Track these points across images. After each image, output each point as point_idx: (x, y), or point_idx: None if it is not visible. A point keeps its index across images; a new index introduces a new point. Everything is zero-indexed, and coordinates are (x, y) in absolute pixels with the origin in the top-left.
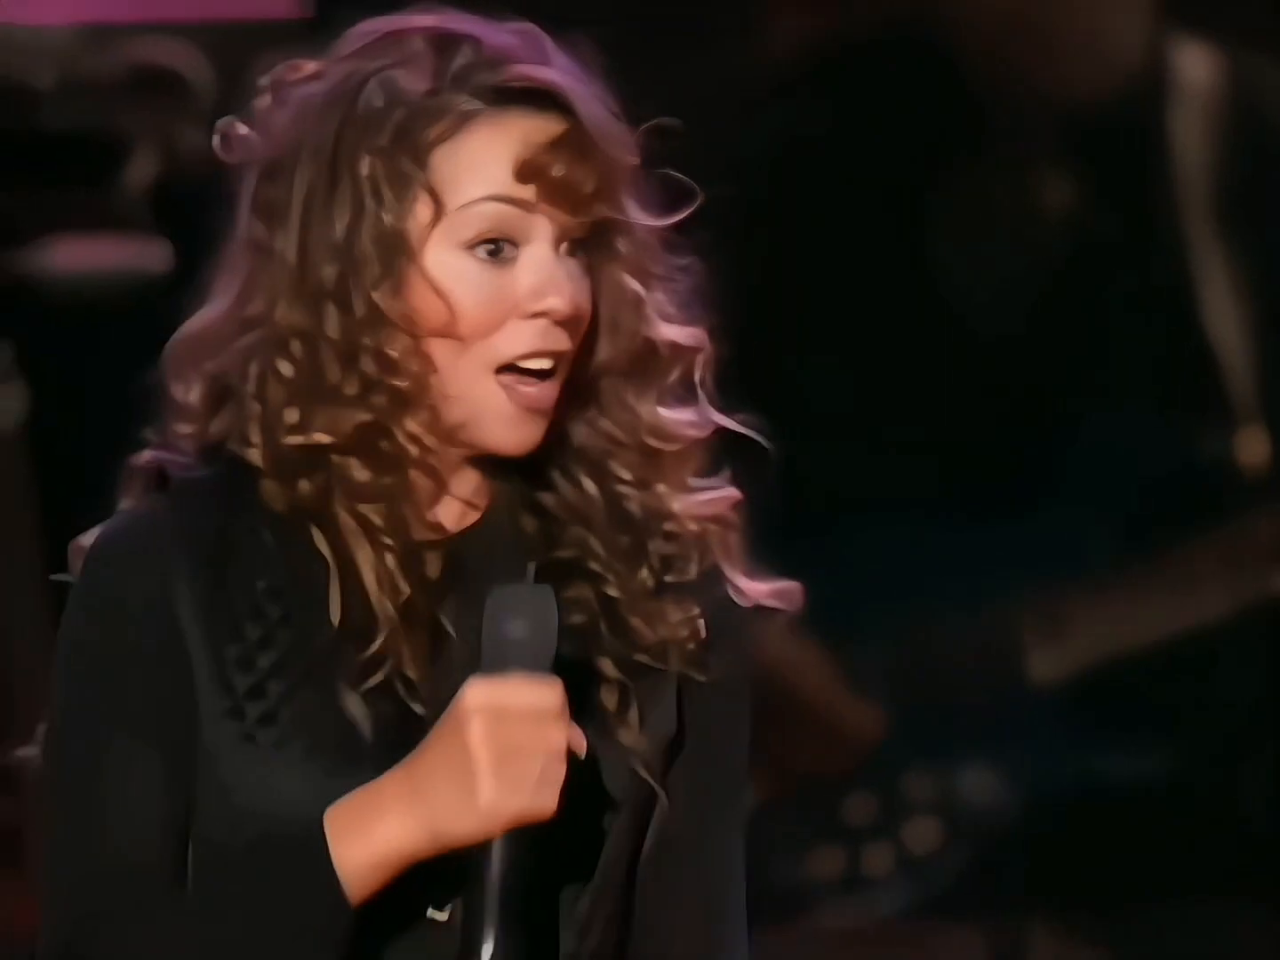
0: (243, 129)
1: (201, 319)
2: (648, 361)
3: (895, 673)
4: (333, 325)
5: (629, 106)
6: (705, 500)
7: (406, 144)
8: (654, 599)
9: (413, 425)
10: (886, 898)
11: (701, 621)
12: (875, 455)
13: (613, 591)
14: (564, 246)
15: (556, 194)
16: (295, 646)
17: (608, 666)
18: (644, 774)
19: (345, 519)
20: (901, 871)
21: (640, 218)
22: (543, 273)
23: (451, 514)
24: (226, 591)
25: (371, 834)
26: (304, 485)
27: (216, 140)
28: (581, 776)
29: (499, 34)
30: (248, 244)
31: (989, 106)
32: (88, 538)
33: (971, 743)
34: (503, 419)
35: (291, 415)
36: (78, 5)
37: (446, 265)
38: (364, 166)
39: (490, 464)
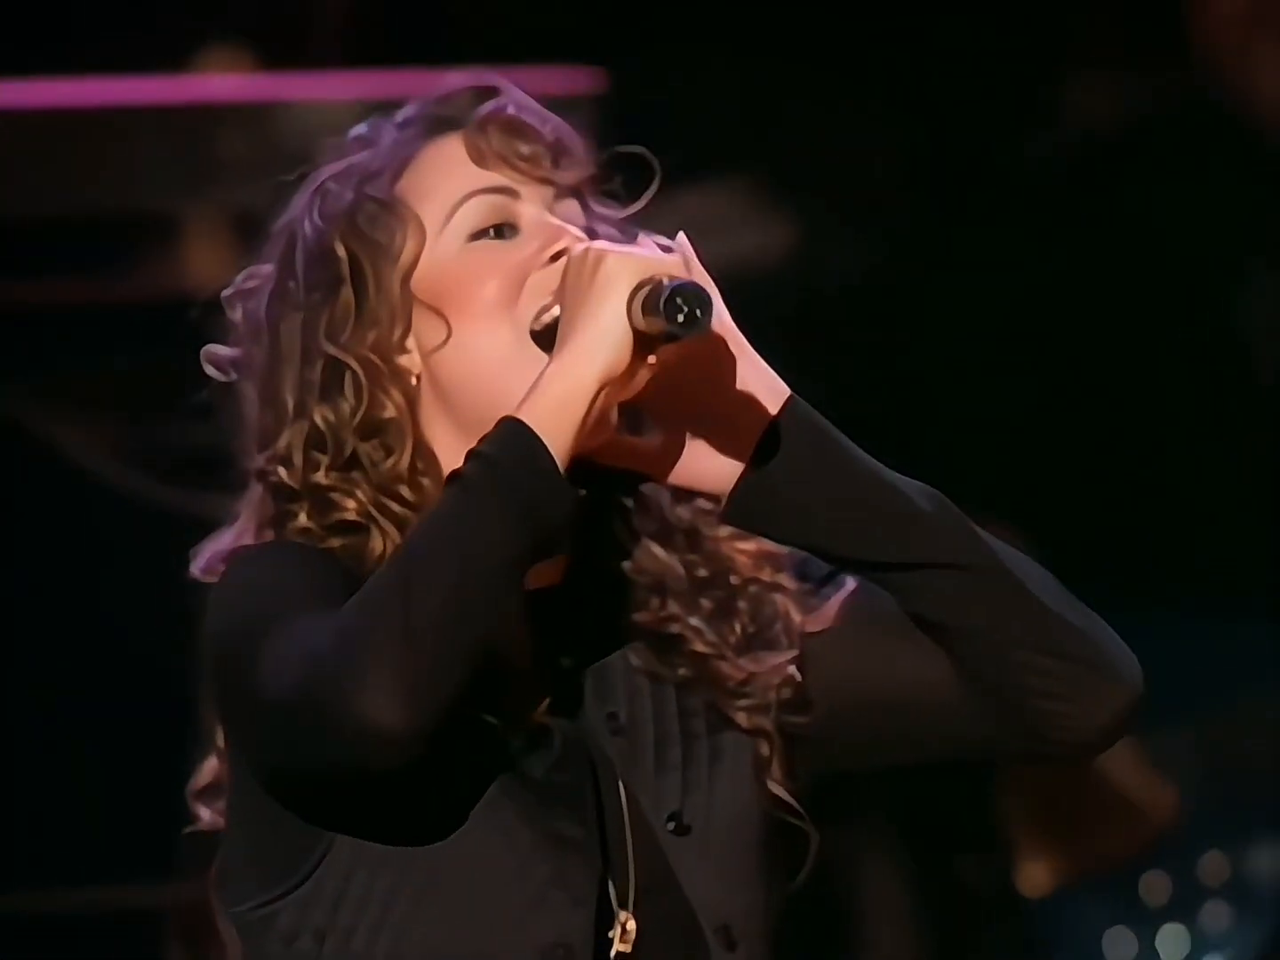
0: (224, 350)
1: (224, 541)
2: None
3: (1192, 759)
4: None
5: None
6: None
7: (369, 194)
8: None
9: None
10: None
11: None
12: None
13: (700, 648)
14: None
15: (521, 164)
16: None
17: (733, 717)
18: (789, 818)
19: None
20: (1195, 954)
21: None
22: (547, 225)
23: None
24: None
25: (544, 390)
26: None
27: (209, 369)
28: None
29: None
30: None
31: None
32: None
33: (1266, 827)
34: None
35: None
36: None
37: (456, 256)
38: (338, 248)
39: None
